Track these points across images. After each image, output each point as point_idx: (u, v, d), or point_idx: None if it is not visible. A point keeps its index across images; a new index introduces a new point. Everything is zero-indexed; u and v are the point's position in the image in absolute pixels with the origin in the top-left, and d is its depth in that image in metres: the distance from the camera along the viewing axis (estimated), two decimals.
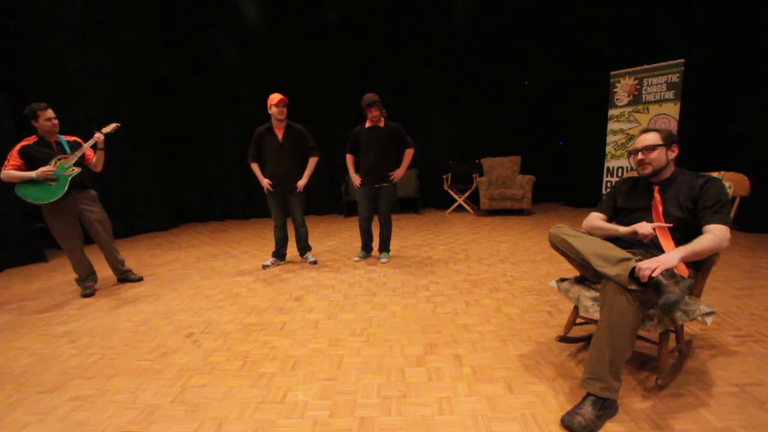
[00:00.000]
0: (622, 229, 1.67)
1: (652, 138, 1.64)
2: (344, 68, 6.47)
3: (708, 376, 1.63)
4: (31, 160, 2.82)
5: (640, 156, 1.65)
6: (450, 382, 1.68)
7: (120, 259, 3.36)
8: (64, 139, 3.01)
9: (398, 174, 3.52)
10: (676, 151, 1.65)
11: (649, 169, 1.65)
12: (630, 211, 1.74)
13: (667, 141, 1.63)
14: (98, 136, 2.98)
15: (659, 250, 1.55)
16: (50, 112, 2.87)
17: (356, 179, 3.58)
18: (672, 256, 1.37)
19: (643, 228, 1.56)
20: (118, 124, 3.19)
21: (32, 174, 2.75)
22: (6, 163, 2.78)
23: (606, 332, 1.38)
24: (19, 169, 2.78)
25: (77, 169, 2.92)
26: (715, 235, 1.42)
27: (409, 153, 3.52)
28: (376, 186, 3.54)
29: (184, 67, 6.36)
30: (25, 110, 2.83)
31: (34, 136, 2.89)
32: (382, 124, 3.47)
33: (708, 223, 1.47)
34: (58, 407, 1.64)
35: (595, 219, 1.82)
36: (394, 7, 6.24)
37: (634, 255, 1.48)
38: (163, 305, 2.82)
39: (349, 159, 3.65)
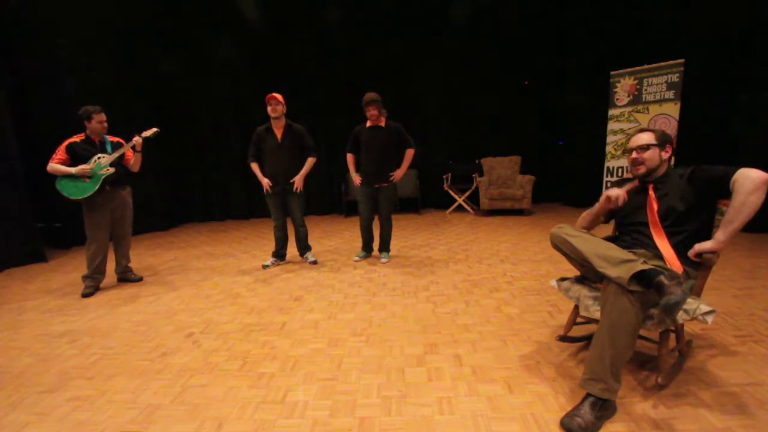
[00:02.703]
0: (598, 205, 1.76)
1: (646, 137, 1.67)
2: (345, 68, 6.47)
3: (708, 376, 1.63)
4: (76, 157, 2.99)
5: (634, 155, 1.68)
6: (450, 382, 1.68)
7: (128, 258, 3.47)
8: (109, 139, 3.16)
9: (399, 174, 3.52)
10: (670, 151, 1.68)
11: (642, 169, 1.67)
12: (627, 208, 1.75)
13: (661, 141, 1.66)
14: (137, 140, 3.15)
15: (658, 249, 1.55)
16: (103, 116, 3.06)
17: (357, 178, 3.58)
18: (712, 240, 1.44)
19: (612, 191, 1.65)
20: (158, 129, 3.32)
21: (72, 170, 2.92)
22: (53, 156, 2.96)
23: (607, 333, 1.38)
24: (63, 163, 2.96)
25: (112, 170, 3.06)
26: (739, 183, 1.39)
27: (409, 153, 3.52)
28: (377, 186, 3.53)
29: (184, 67, 6.35)
30: (80, 110, 3.00)
31: (82, 134, 3.06)
32: (383, 124, 3.47)
33: (727, 182, 1.43)
34: (58, 407, 1.64)
35: (587, 211, 1.87)
36: (395, 6, 6.23)
37: (636, 254, 1.47)
38: (163, 305, 2.82)
39: (350, 158, 3.65)
